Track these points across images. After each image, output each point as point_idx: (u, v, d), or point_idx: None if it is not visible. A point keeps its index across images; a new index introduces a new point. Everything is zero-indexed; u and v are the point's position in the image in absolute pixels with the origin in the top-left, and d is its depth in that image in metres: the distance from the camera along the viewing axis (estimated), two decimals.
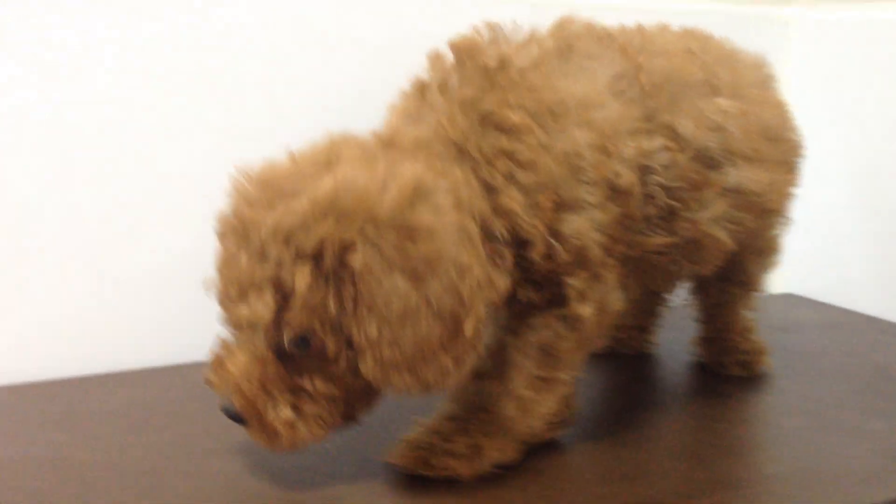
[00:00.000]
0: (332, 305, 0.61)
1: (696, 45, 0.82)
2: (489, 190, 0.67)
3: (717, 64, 0.81)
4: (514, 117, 0.67)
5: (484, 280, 0.63)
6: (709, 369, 1.00)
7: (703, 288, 0.99)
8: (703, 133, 0.75)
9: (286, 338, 0.63)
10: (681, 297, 1.01)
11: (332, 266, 0.61)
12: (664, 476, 0.74)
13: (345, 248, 0.61)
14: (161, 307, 0.96)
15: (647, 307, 1.05)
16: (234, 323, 0.64)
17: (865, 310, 1.23)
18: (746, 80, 0.83)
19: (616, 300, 0.73)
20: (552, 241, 0.68)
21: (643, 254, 0.75)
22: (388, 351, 0.61)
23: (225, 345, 0.66)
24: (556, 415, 0.75)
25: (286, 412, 0.64)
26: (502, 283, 0.66)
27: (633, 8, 1.18)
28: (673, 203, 0.74)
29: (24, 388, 0.88)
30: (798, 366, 1.01)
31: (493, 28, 0.73)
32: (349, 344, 0.62)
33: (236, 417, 0.65)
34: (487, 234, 0.66)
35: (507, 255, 0.67)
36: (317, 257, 0.61)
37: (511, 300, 0.71)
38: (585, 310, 0.71)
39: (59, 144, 0.89)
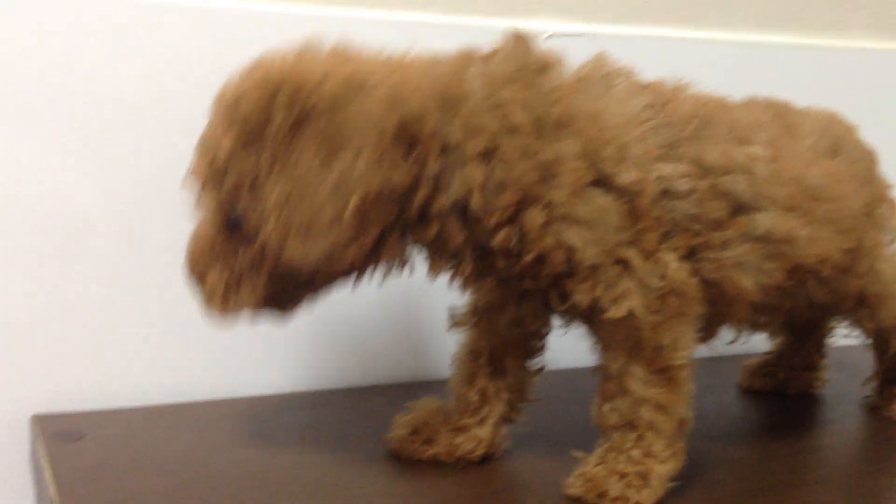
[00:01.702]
0: (252, 168, 0.67)
1: (738, 106, 0.82)
2: (452, 151, 0.69)
3: (756, 124, 0.80)
4: (519, 117, 0.70)
5: (383, 165, 0.67)
6: (878, 412, 0.98)
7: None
8: (726, 168, 0.75)
9: (224, 206, 0.70)
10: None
11: (255, 132, 0.67)
12: None
13: (268, 116, 0.67)
14: (351, 332, 1.00)
15: (813, 344, 1.04)
16: (191, 180, 0.72)
17: None
18: (795, 145, 0.82)
19: (672, 271, 0.72)
20: (510, 233, 0.70)
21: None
22: (287, 215, 0.66)
23: (200, 210, 0.73)
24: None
25: (221, 277, 0.71)
26: (403, 175, 0.68)
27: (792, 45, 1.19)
28: (698, 228, 0.74)
29: (221, 404, 0.95)
30: None
31: (556, 51, 0.75)
32: (266, 217, 0.67)
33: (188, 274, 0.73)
34: (412, 137, 0.68)
35: (444, 196, 0.70)
36: (244, 125, 0.67)
37: (591, 319, 0.74)
38: (624, 307, 0.71)
39: None
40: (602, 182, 0.71)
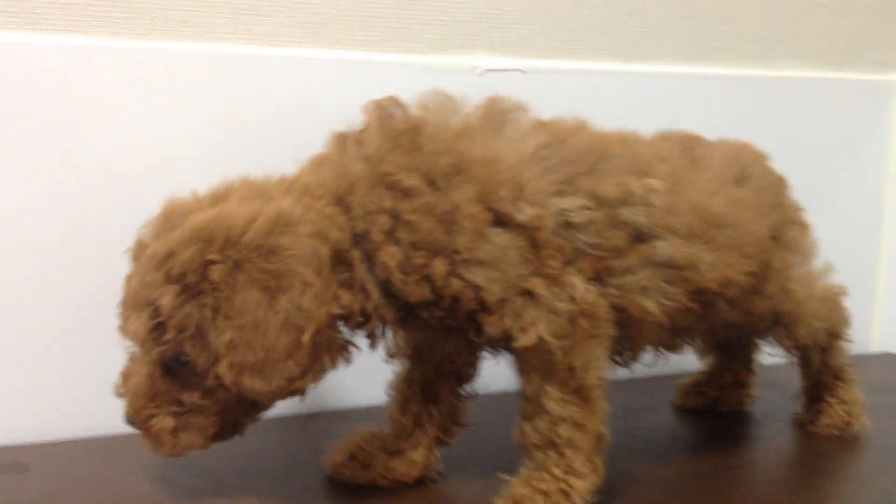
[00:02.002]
0: (196, 317, 0.70)
1: (642, 140, 0.86)
2: (362, 240, 0.73)
3: (658, 158, 0.83)
4: (407, 180, 0.73)
5: (327, 296, 0.70)
6: (806, 428, 1.01)
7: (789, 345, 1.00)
8: (622, 199, 0.78)
9: (165, 355, 0.71)
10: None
11: (195, 283, 0.70)
12: None
13: (206, 266, 0.69)
14: None
15: (741, 362, 1.07)
16: (124, 337, 0.74)
17: None
18: (699, 176, 0.85)
19: (580, 293, 0.74)
20: (425, 290, 0.73)
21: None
22: (240, 356, 0.69)
23: (132, 359, 0.74)
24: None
25: (168, 422, 0.73)
26: (347, 299, 0.72)
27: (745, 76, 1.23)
28: (600, 254, 0.77)
29: None
30: None
31: (438, 96, 0.78)
32: (216, 359, 0.70)
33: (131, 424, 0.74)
34: (343, 261, 0.72)
35: (374, 293, 0.73)
36: (182, 279, 0.70)
37: (507, 348, 0.77)
38: (532, 335, 0.74)
39: None
40: (501, 221, 0.74)
